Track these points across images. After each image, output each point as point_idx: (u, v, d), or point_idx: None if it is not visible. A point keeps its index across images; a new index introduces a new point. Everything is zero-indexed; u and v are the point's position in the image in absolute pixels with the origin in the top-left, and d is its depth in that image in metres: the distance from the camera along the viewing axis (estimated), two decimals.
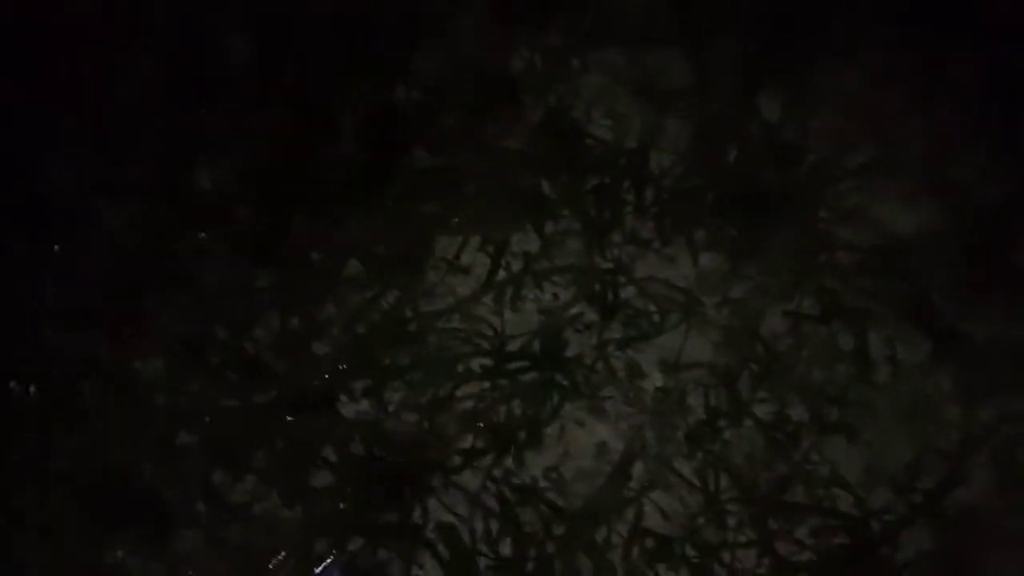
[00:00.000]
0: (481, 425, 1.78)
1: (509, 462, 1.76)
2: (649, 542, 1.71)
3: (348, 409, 1.81)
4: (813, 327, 1.91)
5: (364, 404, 1.82)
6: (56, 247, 1.92)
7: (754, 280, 1.95)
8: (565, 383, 1.81)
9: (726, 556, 1.71)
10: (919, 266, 1.96)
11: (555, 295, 1.93)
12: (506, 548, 1.70)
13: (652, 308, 1.92)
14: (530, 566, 1.69)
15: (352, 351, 1.86)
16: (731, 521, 1.74)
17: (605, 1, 2.26)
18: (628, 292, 1.94)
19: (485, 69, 2.19)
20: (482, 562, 1.70)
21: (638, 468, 1.78)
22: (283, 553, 1.69)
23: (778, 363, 1.86)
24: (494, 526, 1.71)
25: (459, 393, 1.81)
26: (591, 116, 2.14)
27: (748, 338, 1.88)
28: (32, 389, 1.81)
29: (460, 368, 1.83)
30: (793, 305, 1.93)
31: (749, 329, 1.89)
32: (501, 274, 1.91)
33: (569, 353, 1.86)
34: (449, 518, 1.73)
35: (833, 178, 2.05)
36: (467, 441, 1.78)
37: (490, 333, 1.86)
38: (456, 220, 1.96)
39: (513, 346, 1.85)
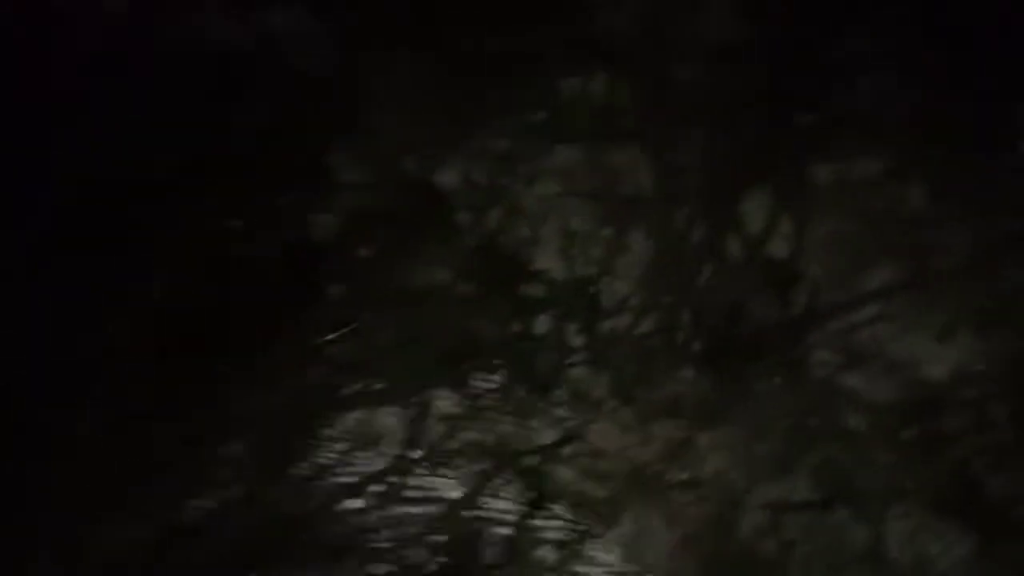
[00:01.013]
0: None
1: None
2: None
3: None
4: (811, 517, 1.45)
5: None
6: None
7: (733, 451, 1.51)
8: None
9: None
10: (957, 425, 1.48)
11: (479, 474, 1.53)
12: None
13: (599, 492, 1.50)
14: None
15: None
16: None
17: (556, 93, 1.86)
18: (568, 473, 1.52)
19: (410, 182, 1.83)
20: None
21: None
22: None
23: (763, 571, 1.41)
24: None
25: None
26: (536, 237, 1.73)
27: (722, 534, 1.44)
28: None
29: None
30: (785, 487, 1.47)
31: (724, 522, 1.45)
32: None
33: (487, 559, 1.46)
34: None
35: (839, 307, 1.59)
36: None
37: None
38: (359, 388, 1.59)
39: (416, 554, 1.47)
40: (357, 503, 1.56)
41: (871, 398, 1.47)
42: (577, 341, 1.63)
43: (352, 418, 1.63)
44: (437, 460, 1.58)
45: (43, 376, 1.50)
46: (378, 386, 1.63)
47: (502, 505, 1.50)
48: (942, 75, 1.63)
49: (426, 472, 1.60)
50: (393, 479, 1.57)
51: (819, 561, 1.37)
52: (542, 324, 1.65)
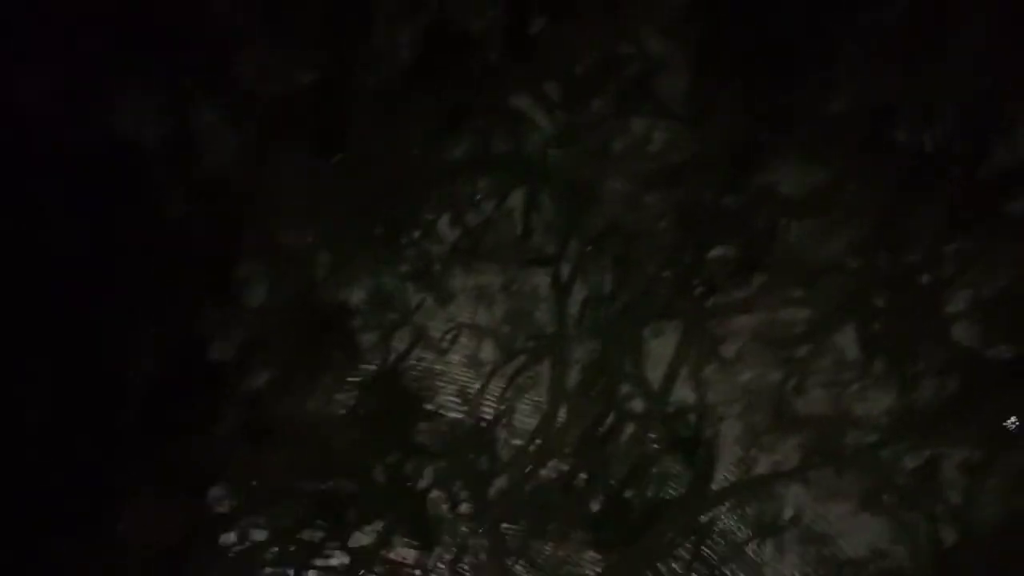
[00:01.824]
0: None
1: None
2: None
3: None
4: None
5: None
6: None
7: None
8: None
9: None
10: None
11: None
12: None
13: None
14: None
15: None
16: None
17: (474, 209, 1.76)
18: None
19: (315, 301, 1.74)
20: None
21: None
22: None
23: None
24: None
25: None
26: (440, 367, 1.63)
27: None
28: None
29: None
30: None
31: None
32: None
33: None
34: None
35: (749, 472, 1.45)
36: None
37: None
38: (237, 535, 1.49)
39: None
40: None
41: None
42: (466, 494, 1.51)
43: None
44: None
45: None
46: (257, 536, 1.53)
47: None
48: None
49: None
50: None
51: None
52: (431, 474, 1.54)
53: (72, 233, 1.66)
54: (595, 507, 1.46)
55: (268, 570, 1.47)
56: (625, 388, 1.49)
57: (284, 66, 1.82)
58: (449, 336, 1.66)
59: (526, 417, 1.55)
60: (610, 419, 1.47)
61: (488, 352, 1.63)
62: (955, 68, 1.67)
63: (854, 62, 1.73)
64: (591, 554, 1.43)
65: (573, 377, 1.54)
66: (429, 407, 1.61)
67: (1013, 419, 1.37)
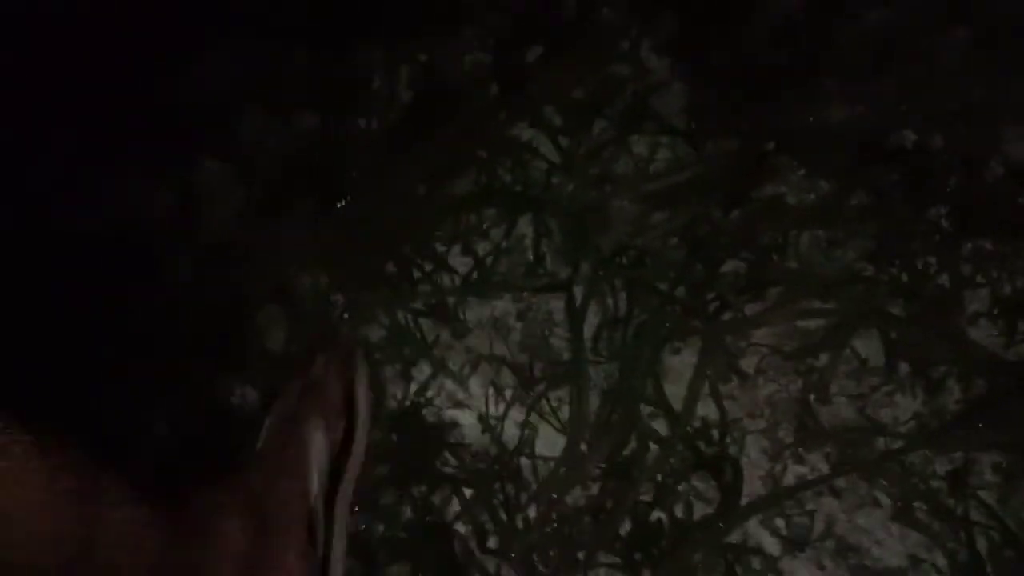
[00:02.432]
0: None
1: None
2: None
3: None
4: None
5: None
6: None
7: None
8: None
9: None
10: None
11: None
12: None
13: None
14: None
15: None
16: None
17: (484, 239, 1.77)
18: None
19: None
20: None
21: None
22: None
23: None
24: None
25: None
26: (463, 397, 1.63)
27: None
28: None
29: None
30: None
31: None
32: None
33: None
34: None
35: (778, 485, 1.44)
36: None
37: None
38: None
39: None
40: None
41: None
42: (493, 526, 1.50)
43: None
44: None
45: None
46: None
47: None
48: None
49: None
50: None
51: None
52: (456, 506, 1.53)
53: (80, 320, 1.67)
54: (623, 531, 1.44)
55: None
56: (647, 409, 1.48)
57: (282, 124, 1.85)
58: (467, 367, 1.66)
59: (550, 444, 1.54)
60: (633, 442, 1.46)
61: (508, 379, 1.63)
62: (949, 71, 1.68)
63: (848, 70, 1.74)
64: None
65: (594, 401, 1.53)
66: (452, 439, 1.60)
67: None
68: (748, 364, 1.54)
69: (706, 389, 1.49)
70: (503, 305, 1.73)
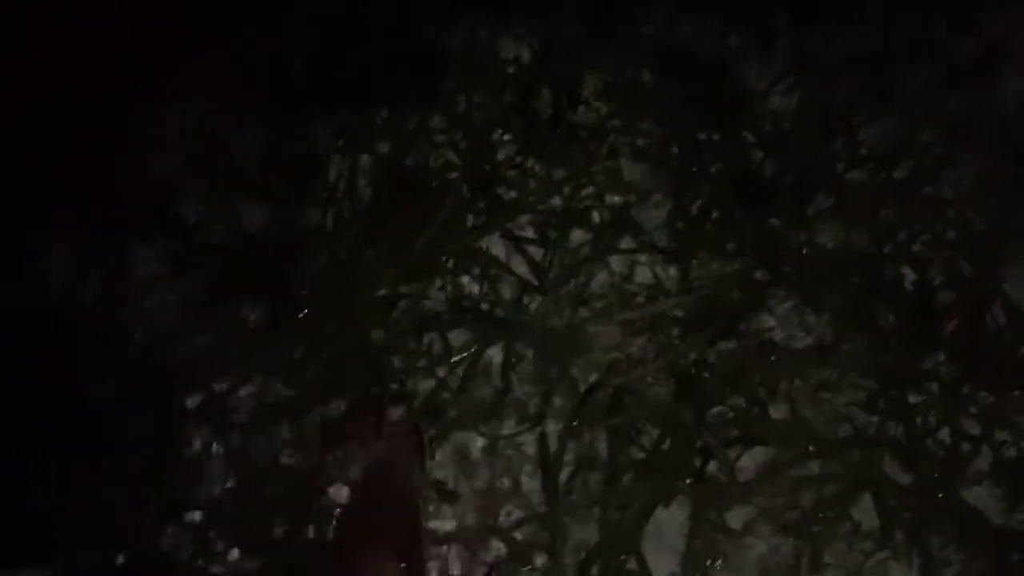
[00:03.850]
0: None
1: None
2: None
3: None
4: None
5: None
6: None
7: None
8: None
9: None
10: None
11: None
12: None
13: None
14: None
15: None
16: None
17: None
18: None
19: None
20: None
21: None
22: None
23: None
24: None
25: None
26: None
27: None
28: None
29: None
30: None
31: None
32: None
33: None
34: None
35: None
36: None
37: None
38: None
39: None
40: None
41: None
42: None
43: None
44: None
45: None
46: None
47: None
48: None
49: None
50: None
51: None
52: None
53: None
54: None
55: None
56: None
57: (229, 212, 1.68)
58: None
59: None
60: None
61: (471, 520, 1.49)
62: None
63: (843, 187, 1.63)
64: None
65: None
66: None
67: None
68: (735, 518, 1.42)
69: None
70: (467, 436, 1.58)
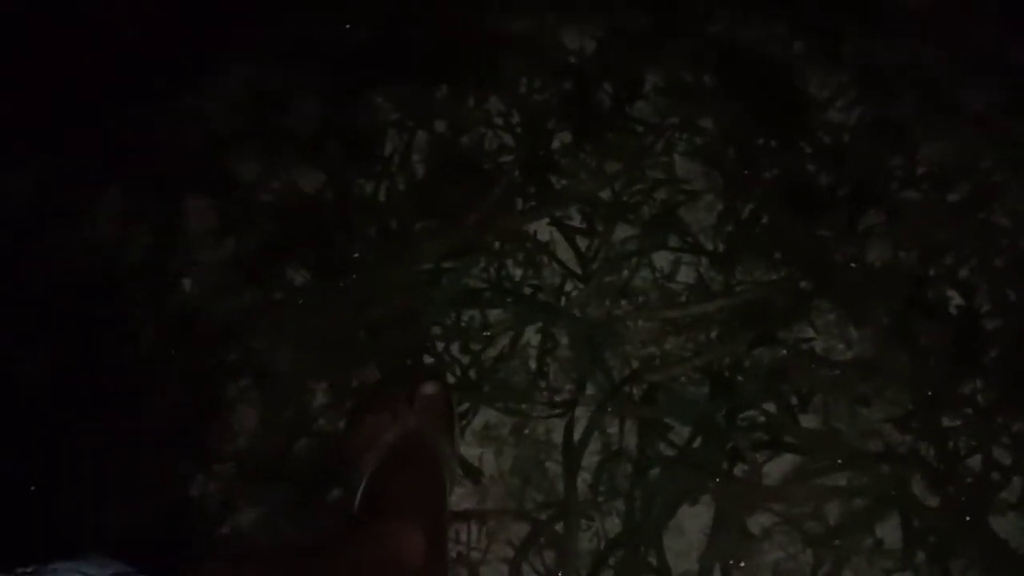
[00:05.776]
0: None
1: None
2: None
3: None
4: None
5: None
6: None
7: None
8: None
9: None
10: None
11: None
12: None
13: None
14: None
15: None
16: None
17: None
18: None
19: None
20: None
21: None
22: None
23: None
24: None
25: None
26: None
27: None
28: None
29: None
30: None
31: None
32: None
33: None
34: None
35: None
36: None
37: None
38: None
39: None
40: None
41: None
42: None
43: None
44: None
45: None
46: None
47: None
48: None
49: None
50: None
51: None
52: None
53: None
54: None
55: None
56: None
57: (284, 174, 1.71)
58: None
59: None
60: None
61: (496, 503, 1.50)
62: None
63: (897, 204, 1.62)
64: None
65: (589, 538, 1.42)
66: None
67: None
68: (755, 523, 1.43)
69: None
70: (497, 415, 1.60)
